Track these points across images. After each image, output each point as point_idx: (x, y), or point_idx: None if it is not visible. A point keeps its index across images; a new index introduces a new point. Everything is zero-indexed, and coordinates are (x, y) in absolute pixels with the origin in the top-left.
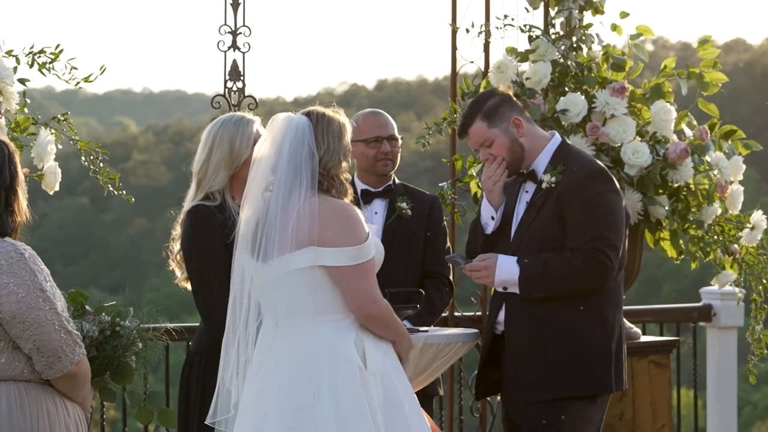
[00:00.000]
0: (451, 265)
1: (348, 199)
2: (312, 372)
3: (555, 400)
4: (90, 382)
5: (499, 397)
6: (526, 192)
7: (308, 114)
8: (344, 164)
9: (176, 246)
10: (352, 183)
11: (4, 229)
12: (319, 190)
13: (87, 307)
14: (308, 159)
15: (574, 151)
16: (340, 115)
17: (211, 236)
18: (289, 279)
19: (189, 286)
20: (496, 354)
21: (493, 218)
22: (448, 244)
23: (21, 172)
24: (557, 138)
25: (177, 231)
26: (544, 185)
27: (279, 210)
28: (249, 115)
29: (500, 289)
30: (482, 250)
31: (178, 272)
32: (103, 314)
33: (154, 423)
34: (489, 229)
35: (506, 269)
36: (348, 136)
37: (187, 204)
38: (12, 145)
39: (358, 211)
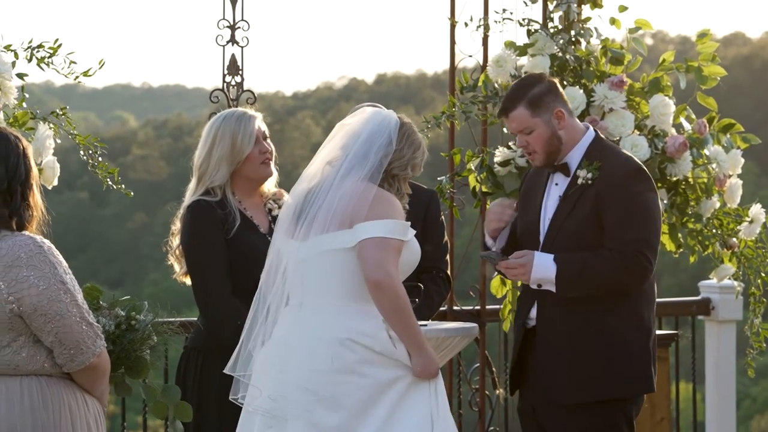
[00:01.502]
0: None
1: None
2: (337, 341)
3: (597, 403)
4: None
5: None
6: (556, 185)
7: (399, 117)
8: (409, 174)
9: (176, 241)
10: None
11: (21, 222)
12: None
13: (102, 302)
14: (383, 147)
15: (609, 147)
16: (422, 138)
17: (212, 231)
18: (324, 259)
19: (188, 281)
20: (526, 348)
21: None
22: (446, 238)
23: (35, 167)
24: (591, 131)
25: (177, 226)
26: (579, 181)
27: (334, 183)
28: (251, 111)
29: (534, 287)
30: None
31: (177, 267)
32: (118, 308)
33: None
34: (493, 248)
35: (543, 267)
36: (422, 156)
37: (188, 199)
38: (25, 141)
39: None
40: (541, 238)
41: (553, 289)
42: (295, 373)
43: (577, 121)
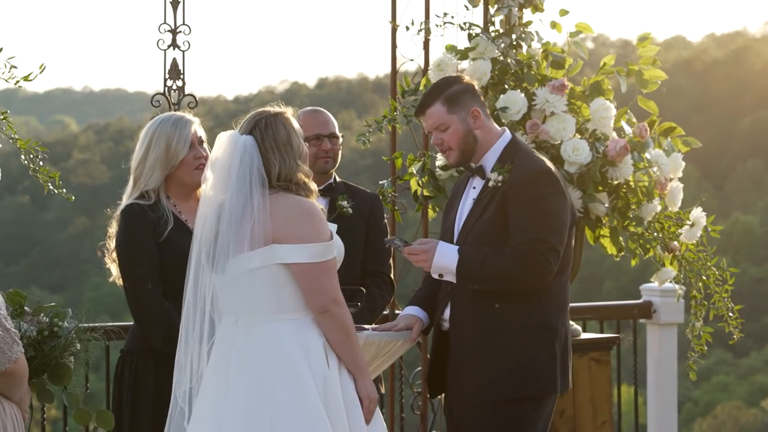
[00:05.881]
0: (392, 250)
1: (313, 198)
2: (271, 391)
3: (499, 402)
4: (27, 382)
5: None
6: (474, 188)
7: (252, 129)
8: (303, 166)
9: (112, 244)
10: None
11: None
12: (283, 191)
13: (26, 308)
14: (257, 181)
15: (524, 150)
16: (284, 116)
17: (143, 235)
18: (248, 277)
19: None
20: (445, 351)
21: None
22: None
23: None
24: (507, 135)
25: (113, 229)
26: (491, 183)
27: (233, 226)
28: (188, 116)
29: (436, 276)
30: None
31: (113, 270)
32: (42, 315)
33: (92, 424)
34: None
35: (445, 256)
36: (297, 136)
37: (123, 202)
38: None
39: (320, 208)
40: (455, 240)
41: (454, 280)
42: (252, 402)
43: (494, 124)
